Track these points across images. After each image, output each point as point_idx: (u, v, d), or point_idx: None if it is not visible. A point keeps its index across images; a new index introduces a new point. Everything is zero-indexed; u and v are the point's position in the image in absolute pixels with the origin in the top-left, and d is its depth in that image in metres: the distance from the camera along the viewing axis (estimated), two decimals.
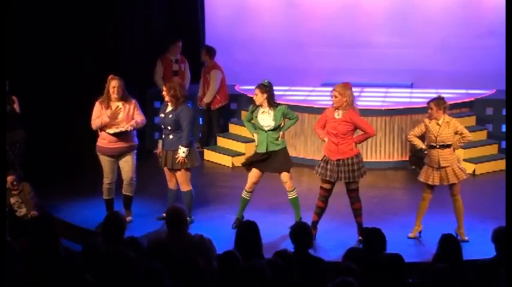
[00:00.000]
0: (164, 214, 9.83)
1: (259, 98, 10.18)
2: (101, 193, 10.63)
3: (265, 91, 10.15)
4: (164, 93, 10.23)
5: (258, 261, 6.56)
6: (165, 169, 10.41)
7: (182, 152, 10.16)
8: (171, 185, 10.48)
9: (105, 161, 10.46)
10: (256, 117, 10.25)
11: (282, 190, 10.48)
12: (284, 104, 10.48)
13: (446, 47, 14.77)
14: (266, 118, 10.19)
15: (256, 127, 10.28)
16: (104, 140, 10.39)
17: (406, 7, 14.91)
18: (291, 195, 10.35)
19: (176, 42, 13.90)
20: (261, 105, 10.21)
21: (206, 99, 13.79)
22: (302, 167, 12.70)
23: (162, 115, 10.32)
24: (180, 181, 10.36)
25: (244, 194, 10.37)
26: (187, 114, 10.21)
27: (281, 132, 10.25)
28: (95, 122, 10.37)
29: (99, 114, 10.35)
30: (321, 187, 9.95)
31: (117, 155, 10.43)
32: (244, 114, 13.89)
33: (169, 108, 10.25)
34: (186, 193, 10.38)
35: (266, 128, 10.17)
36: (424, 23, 14.83)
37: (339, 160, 9.73)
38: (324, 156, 9.89)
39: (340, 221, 10.35)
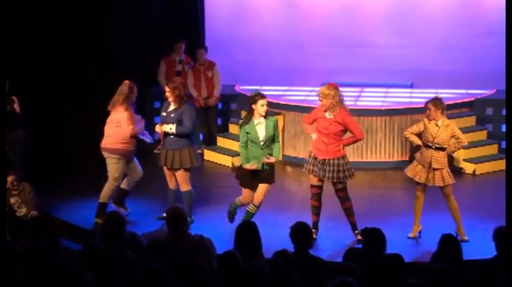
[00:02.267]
0: (164, 214, 9.84)
1: (263, 109, 9.81)
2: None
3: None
4: (168, 93, 10.24)
5: (258, 261, 6.56)
6: (165, 168, 10.41)
7: (169, 128, 10.19)
8: (171, 185, 10.48)
9: None
10: (254, 128, 9.82)
11: (281, 189, 10.47)
12: (275, 117, 10.15)
13: (446, 47, 14.77)
14: (261, 129, 9.85)
15: (248, 140, 9.83)
16: None
17: (406, 7, 14.91)
18: (251, 209, 9.98)
19: (178, 42, 13.95)
20: (254, 117, 9.83)
21: (217, 93, 13.87)
22: (302, 167, 12.66)
23: (164, 114, 10.32)
24: (180, 181, 10.36)
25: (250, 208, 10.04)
26: (191, 115, 10.25)
27: (273, 158, 9.87)
28: None
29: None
30: (311, 186, 9.97)
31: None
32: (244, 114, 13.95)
33: (172, 107, 10.26)
34: (185, 192, 10.38)
35: (261, 142, 9.80)
36: (424, 23, 14.83)
37: (325, 159, 9.74)
38: (311, 152, 9.92)
39: (339, 221, 10.32)
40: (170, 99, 10.26)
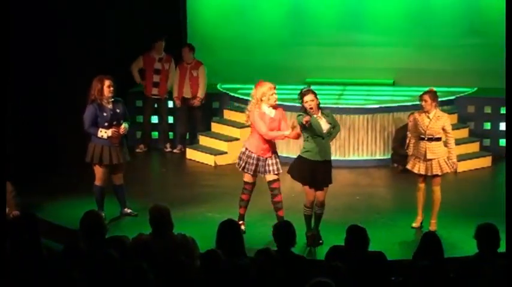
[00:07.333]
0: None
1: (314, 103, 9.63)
2: (84, 192, 10.69)
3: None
4: (110, 92, 10.18)
5: (241, 259, 6.57)
6: (103, 166, 10.31)
7: (127, 126, 10.34)
8: (105, 182, 10.45)
9: None
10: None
11: (266, 189, 10.46)
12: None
13: (428, 45, 14.80)
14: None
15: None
16: None
17: (388, 5, 14.94)
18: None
19: (158, 41, 13.91)
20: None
21: (201, 95, 13.83)
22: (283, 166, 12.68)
23: (109, 113, 10.19)
24: (120, 175, 10.47)
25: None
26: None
27: None
28: None
29: None
30: (248, 183, 10.09)
31: None
32: (226, 113, 13.97)
33: (109, 105, 10.23)
34: (123, 185, 10.54)
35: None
36: (407, 20, 14.86)
37: (270, 156, 9.98)
38: (250, 153, 9.98)
39: (323, 220, 10.34)
40: (111, 95, 10.20)
